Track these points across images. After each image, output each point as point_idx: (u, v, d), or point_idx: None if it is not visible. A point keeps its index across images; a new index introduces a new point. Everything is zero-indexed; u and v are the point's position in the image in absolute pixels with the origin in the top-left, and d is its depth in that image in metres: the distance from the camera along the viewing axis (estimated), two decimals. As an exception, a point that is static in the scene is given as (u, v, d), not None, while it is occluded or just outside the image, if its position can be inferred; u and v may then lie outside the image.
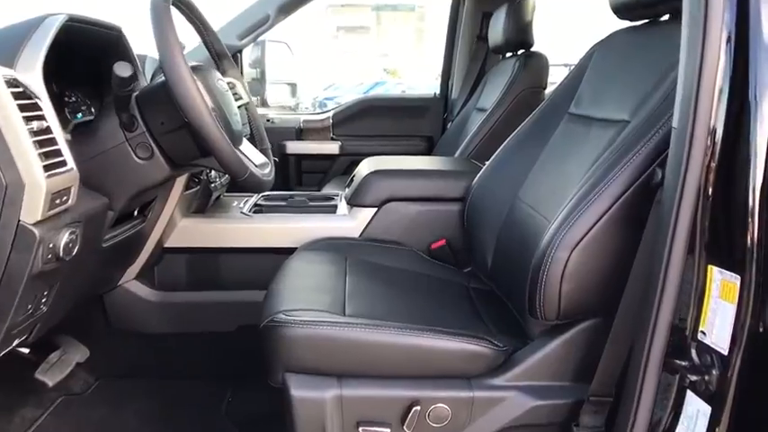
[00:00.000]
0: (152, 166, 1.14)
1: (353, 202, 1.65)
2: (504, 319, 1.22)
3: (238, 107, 1.31)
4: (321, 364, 1.04)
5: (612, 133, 1.13)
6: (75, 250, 1.02)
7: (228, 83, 1.32)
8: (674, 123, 0.84)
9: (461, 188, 1.60)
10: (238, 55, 2.64)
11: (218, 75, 1.23)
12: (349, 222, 1.63)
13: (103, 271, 1.39)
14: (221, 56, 1.37)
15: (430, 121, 2.89)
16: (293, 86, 3.34)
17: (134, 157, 1.12)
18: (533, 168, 1.38)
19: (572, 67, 1.45)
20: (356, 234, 1.62)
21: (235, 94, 1.33)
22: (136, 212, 1.37)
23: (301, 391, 1.02)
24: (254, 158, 1.24)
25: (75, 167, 0.97)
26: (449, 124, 2.71)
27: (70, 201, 0.97)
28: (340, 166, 2.82)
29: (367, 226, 1.62)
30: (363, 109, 2.86)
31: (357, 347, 1.03)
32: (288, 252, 1.50)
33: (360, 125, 2.85)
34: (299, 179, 2.86)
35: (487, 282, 1.44)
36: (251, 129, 1.44)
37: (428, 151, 2.84)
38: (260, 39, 2.66)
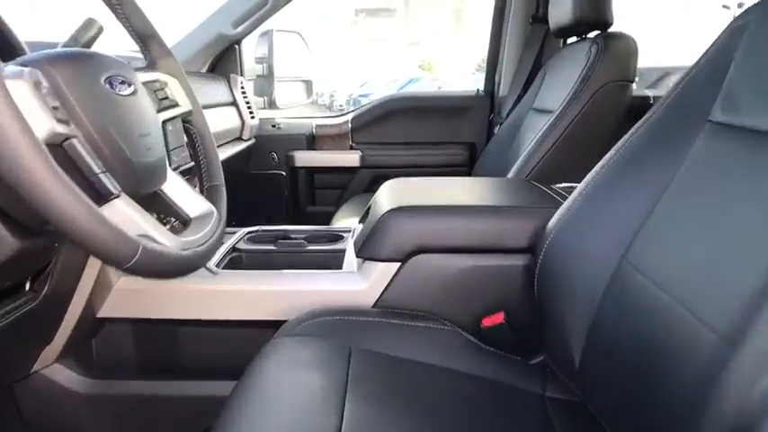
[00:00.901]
0: None
1: (366, 255, 1.12)
2: None
3: (168, 120, 0.80)
4: None
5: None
6: None
7: (153, 81, 0.81)
8: None
9: (528, 233, 1.07)
10: (236, 47, 2.18)
11: (122, 71, 0.72)
12: (359, 284, 1.10)
13: None
14: (144, 36, 0.84)
15: (472, 124, 2.35)
16: (308, 84, 2.86)
17: None
18: (654, 213, 0.84)
19: (702, 56, 0.90)
20: (369, 302, 1.09)
21: (164, 98, 0.81)
22: (28, 285, 0.89)
23: None
24: (187, 208, 0.73)
25: None
26: (496, 128, 2.17)
27: None
28: (361, 182, 2.31)
29: (385, 290, 1.09)
30: (389, 111, 2.34)
31: None
32: (272, 326, 1.02)
33: (385, 130, 2.33)
34: (312, 197, 2.36)
35: (573, 388, 0.91)
36: (195, 156, 0.90)
37: (470, 162, 2.30)
38: (267, 28, 2.21)
